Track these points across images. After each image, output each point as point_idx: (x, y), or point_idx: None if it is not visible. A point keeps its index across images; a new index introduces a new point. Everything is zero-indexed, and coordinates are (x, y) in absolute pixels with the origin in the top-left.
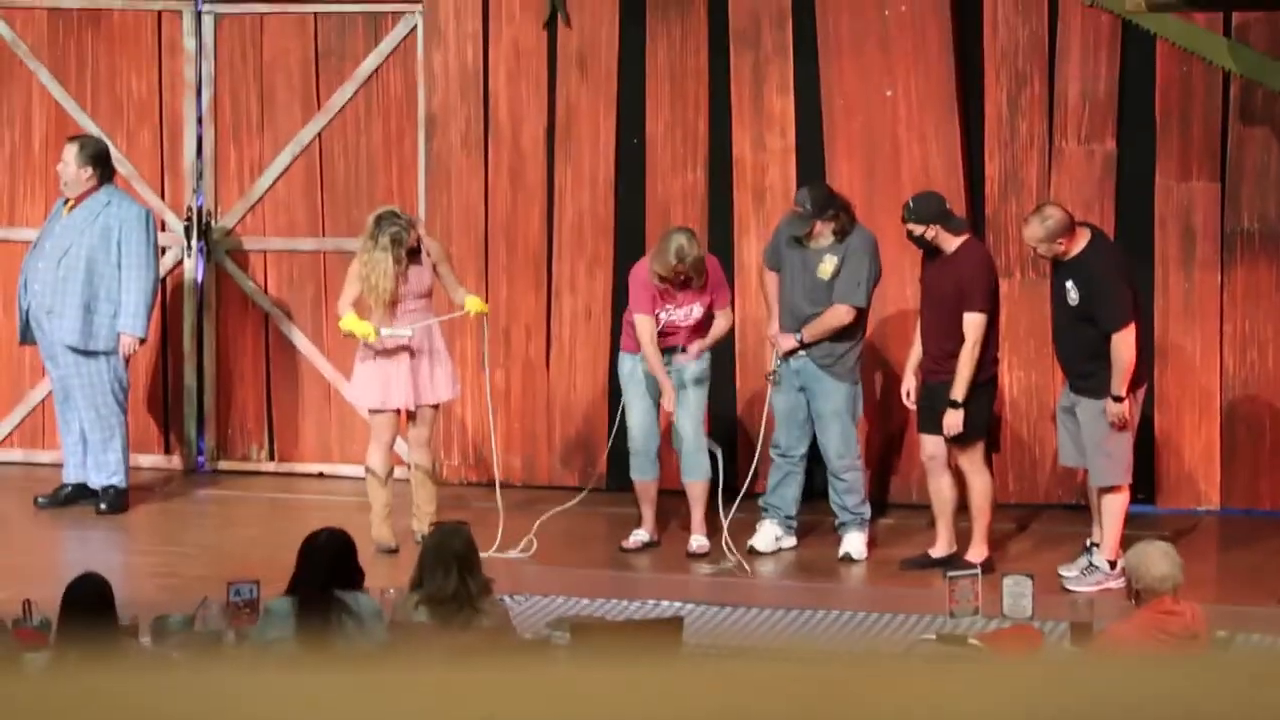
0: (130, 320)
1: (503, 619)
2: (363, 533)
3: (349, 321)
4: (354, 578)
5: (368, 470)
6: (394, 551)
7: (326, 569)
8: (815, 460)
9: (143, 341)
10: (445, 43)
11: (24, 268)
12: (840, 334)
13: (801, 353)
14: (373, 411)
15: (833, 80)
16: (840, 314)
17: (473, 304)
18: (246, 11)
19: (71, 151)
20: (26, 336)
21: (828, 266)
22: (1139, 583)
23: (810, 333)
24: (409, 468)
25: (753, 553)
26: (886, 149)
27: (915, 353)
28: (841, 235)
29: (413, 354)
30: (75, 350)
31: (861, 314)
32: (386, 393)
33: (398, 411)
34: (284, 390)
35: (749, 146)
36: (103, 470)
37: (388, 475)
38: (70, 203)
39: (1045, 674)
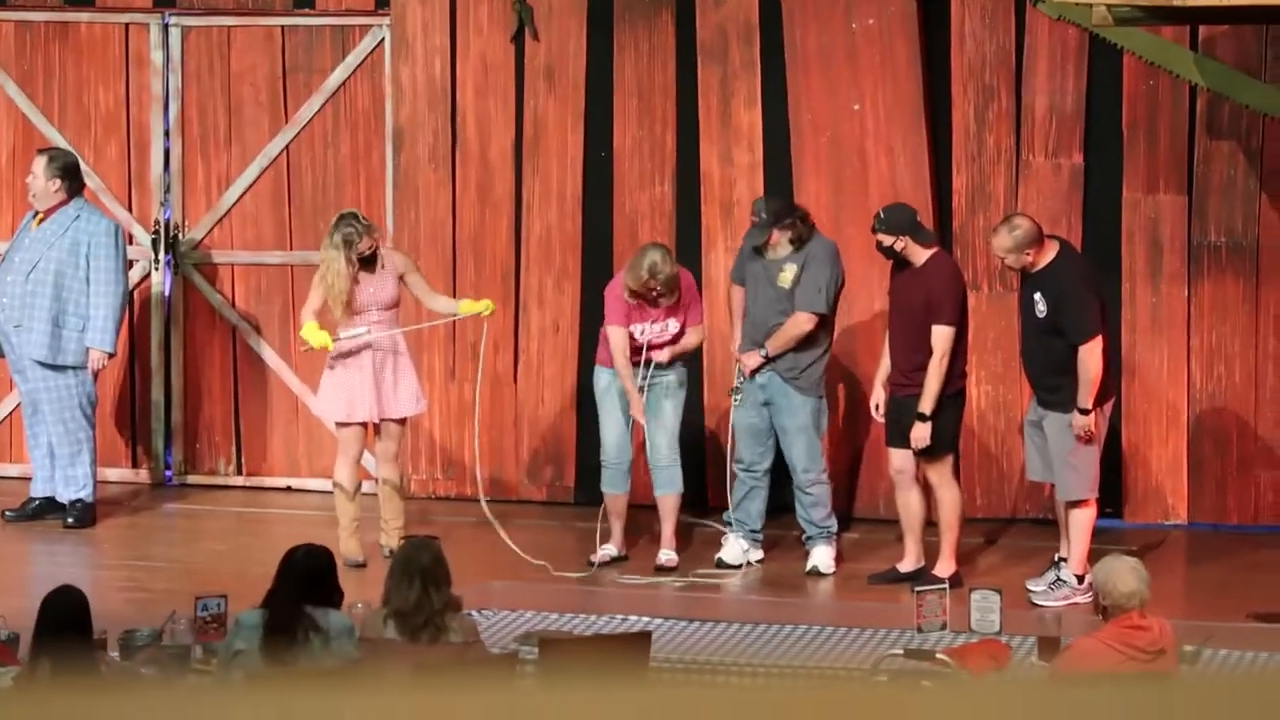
0: (99, 335)
1: (471, 634)
2: (332, 546)
3: (308, 330)
4: (331, 595)
5: (335, 485)
6: (362, 566)
7: (300, 584)
8: (780, 474)
9: (111, 356)
10: (413, 56)
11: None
12: (805, 345)
13: (766, 366)
14: (339, 425)
15: (800, 94)
16: (801, 322)
17: (468, 307)
18: (214, 24)
19: (40, 164)
20: (5, 356)
21: (788, 275)
22: (1106, 599)
23: (774, 345)
24: (376, 482)
25: (720, 566)
26: (854, 163)
27: (884, 366)
28: (799, 243)
29: (377, 367)
30: (43, 364)
31: (824, 321)
32: (352, 406)
33: (364, 425)
34: (252, 404)
35: (717, 161)
36: (70, 484)
37: (355, 490)
38: (39, 216)
39: (1017, 695)
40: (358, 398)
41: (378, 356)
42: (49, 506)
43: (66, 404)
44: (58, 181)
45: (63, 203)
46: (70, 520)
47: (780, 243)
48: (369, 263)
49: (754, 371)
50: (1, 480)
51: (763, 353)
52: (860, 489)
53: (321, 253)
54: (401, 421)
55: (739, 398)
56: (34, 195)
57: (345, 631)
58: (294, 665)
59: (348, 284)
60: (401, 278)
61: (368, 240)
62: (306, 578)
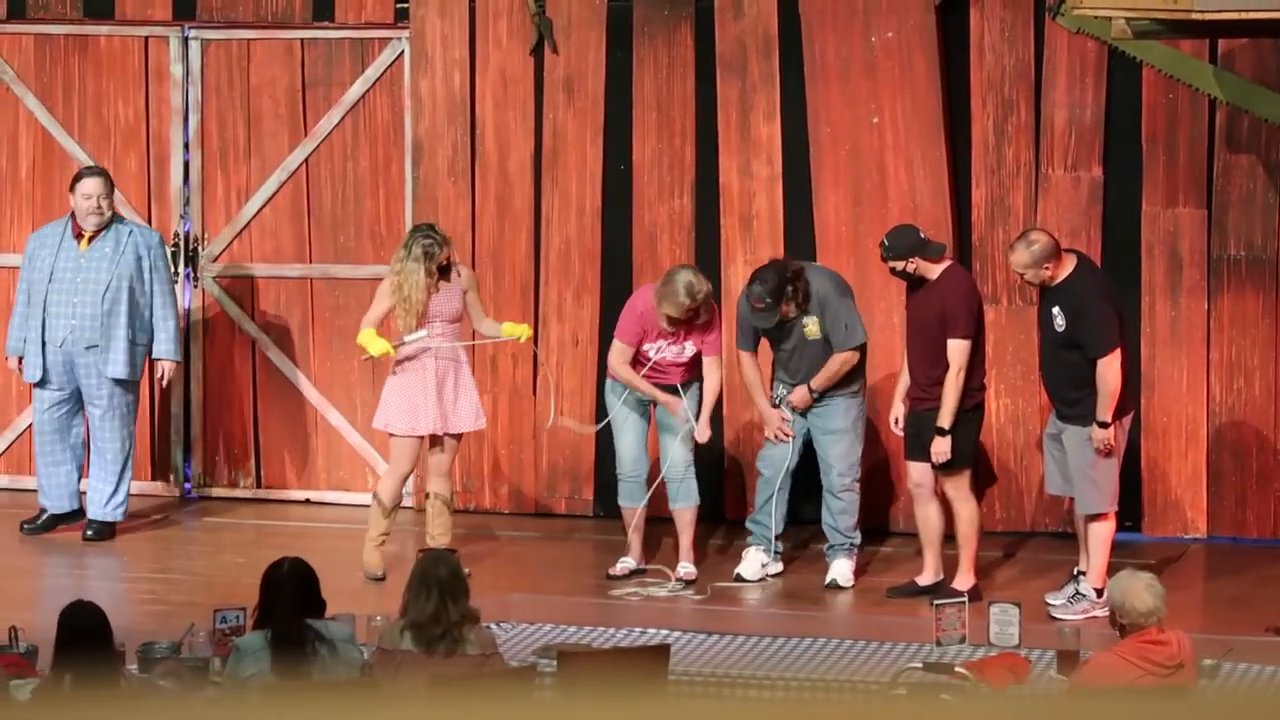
0: (172, 346)
1: (489, 646)
2: (351, 559)
3: (367, 338)
4: (319, 606)
5: (374, 497)
6: (381, 579)
7: (294, 598)
8: (802, 486)
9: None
10: (432, 69)
11: (46, 305)
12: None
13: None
14: (396, 437)
15: (819, 107)
16: (846, 359)
17: (510, 330)
18: (233, 37)
19: (103, 184)
20: (46, 377)
21: (813, 328)
22: (1124, 617)
23: (820, 381)
24: (427, 497)
25: (739, 580)
26: (874, 175)
27: (903, 380)
28: (805, 301)
29: (440, 380)
30: (119, 382)
31: (863, 348)
32: (415, 418)
33: (421, 440)
34: (271, 417)
35: (736, 174)
36: (111, 500)
37: (393, 506)
38: (89, 235)
39: (1036, 709)
40: (421, 410)
41: (440, 369)
42: (59, 519)
43: (128, 418)
44: (112, 198)
45: (111, 219)
46: (90, 534)
47: (790, 311)
48: (444, 273)
49: (805, 410)
50: (20, 493)
51: (815, 394)
52: (879, 503)
53: (395, 265)
54: (458, 436)
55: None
56: (104, 216)
57: (349, 639)
58: (308, 679)
59: (425, 295)
60: (464, 293)
61: (446, 250)
62: (298, 589)
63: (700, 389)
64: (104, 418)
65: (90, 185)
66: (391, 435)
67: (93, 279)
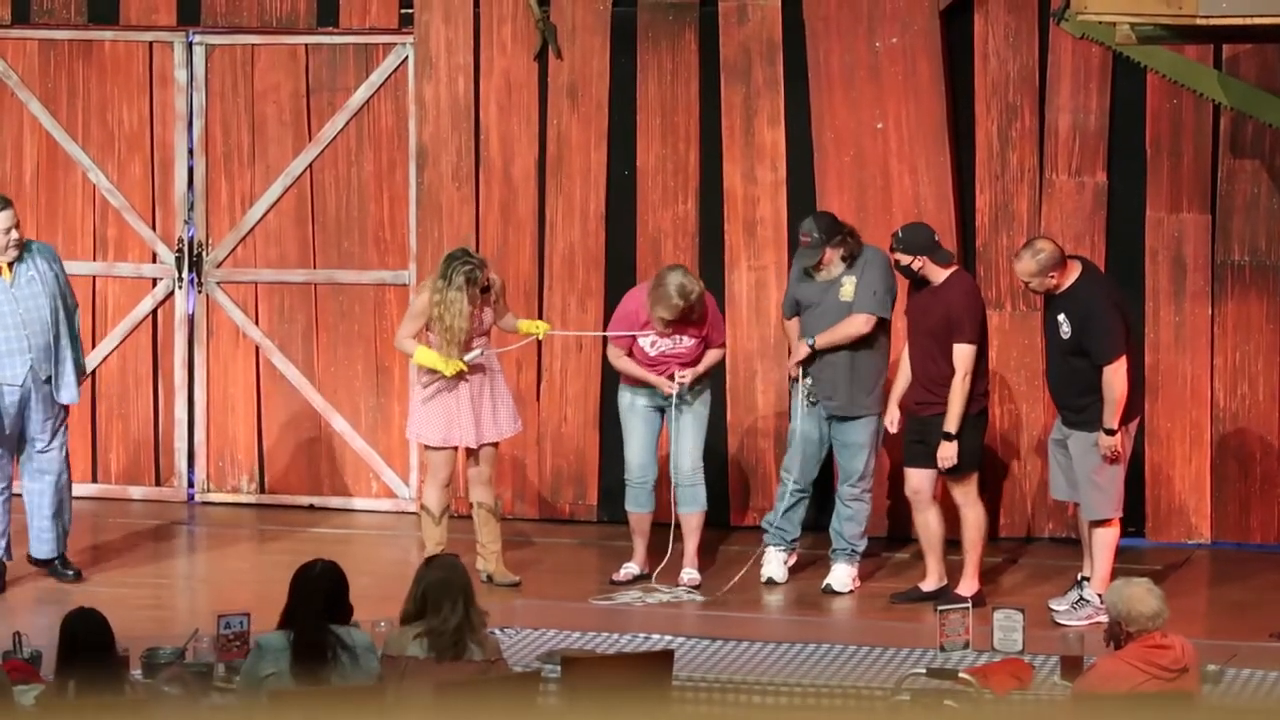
0: (83, 362)
1: (494, 652)
2: (352, 564)
3: (428, 357)
4: (346, 611)
5: (422, 508)
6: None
7: (322, 602)
8: (819, 491)
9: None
10: (436, 74)
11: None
12: (865, 368)
13: (833, 403)
14: (431, 449)
15: (823, 113)
16: (858, 322)
17: (526, 326)
18: (237, 43)
19: (14, 214)
20: (12, 418)
21: (849, 288)
22: (1131, 625)
23: (824, 339)
24: (472, 506)
25: (770, 583)
26: (878, 181)
27: (901, 381)
28: (851, 259)
29: (475, 392)
30: (67, 407)
31: (881, 325)
32: (449, 430)
33: (455, 449)
34: (274, 422)
35: (740, 179)
36: (58, 534)
37: (442, 513)
38: (5, 266)
39: (1040, 715)
40: (455, 422)
41: (475, 380)
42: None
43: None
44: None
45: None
46: (70, 573)
47: (833, 261)
48: (485, 292)
49: (804, 361)
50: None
51: (809, 343)
52: (891, 509)
53: (433, 295)
54: (496, 444)
55: (812, 398)
56: (21, 245)
57: (369, 648)
58: (325, 685)
59: (470, 323)
60: (495, 302)
61: (485, 273)
62: (327, 593)
63: (698, 401)
64: (58, 450)
65: (6, 219)
66: (426, 447)
67: (34, 308)
